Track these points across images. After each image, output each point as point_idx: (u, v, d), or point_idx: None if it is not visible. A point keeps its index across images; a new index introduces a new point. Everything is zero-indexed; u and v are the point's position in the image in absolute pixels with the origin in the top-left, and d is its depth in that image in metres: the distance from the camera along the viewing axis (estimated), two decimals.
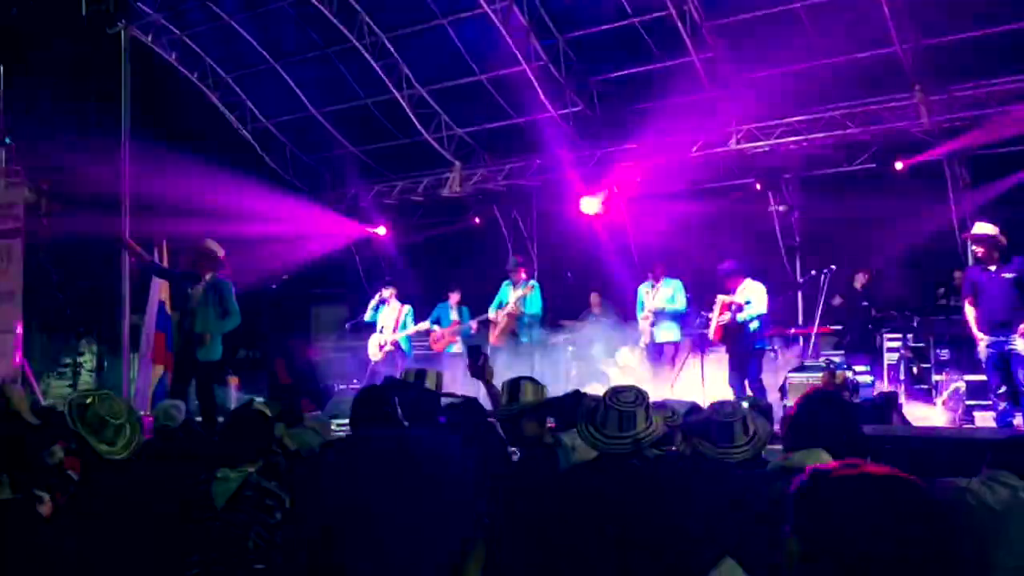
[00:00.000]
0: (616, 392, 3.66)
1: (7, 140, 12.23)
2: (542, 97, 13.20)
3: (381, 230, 16.14)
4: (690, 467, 3.73)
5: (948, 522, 1.47)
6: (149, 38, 13.70)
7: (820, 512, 1.45)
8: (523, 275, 11.50)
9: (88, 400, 4.13)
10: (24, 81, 11.54)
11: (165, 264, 11.43)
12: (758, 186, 12.89)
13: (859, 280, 11.49)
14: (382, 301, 11.87)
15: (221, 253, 8.80)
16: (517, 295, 11.28)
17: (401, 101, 14.19)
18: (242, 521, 3.76)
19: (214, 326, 8.59)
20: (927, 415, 9.46)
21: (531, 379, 4.62)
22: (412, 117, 14.36)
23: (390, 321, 11.75)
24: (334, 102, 15.02)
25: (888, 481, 1.46)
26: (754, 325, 9.78)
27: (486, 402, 5.04)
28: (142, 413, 7.05)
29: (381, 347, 11.64)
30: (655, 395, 7.84)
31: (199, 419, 8.17)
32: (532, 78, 13.00)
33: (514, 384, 4.54)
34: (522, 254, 14.57)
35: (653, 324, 10.72)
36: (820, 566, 1.42)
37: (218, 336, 8.68)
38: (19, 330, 11.53)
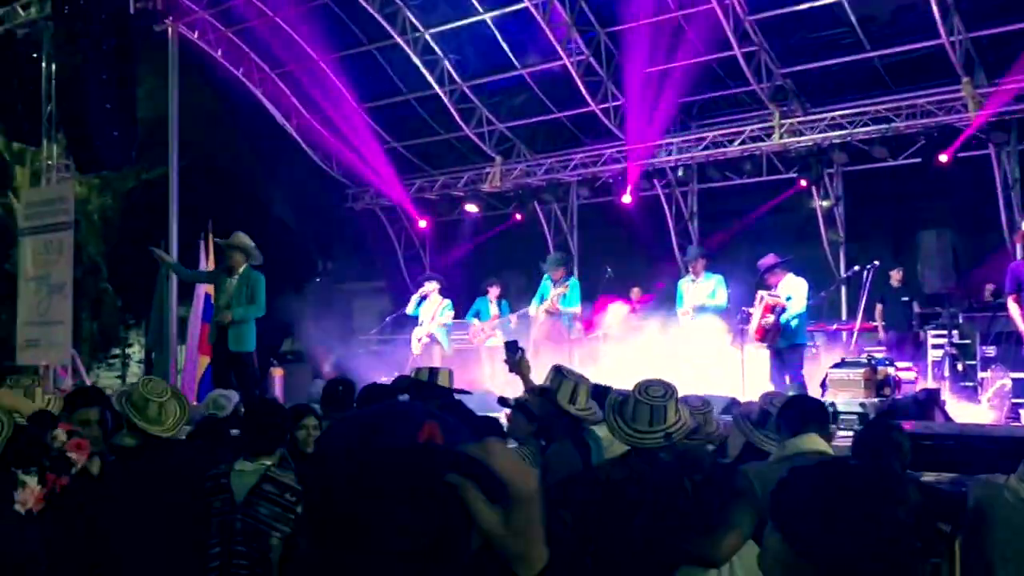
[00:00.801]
0: (645, 386, 3.67)
1: (59, 135, 12.54)
2: (583, 91, 13.20)
3: (422, 223, 16.27)
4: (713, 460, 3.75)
5: (924, 511, 1.44)
6: (196, 35, 13.92)
7: (795, 506, 1.44)
8: (562, 273, 11.51)
9: (133, 385, 4.34)
10: (74, 77, 11.79)
11: (211, 258, 11.63)
12: (803, 182, 12.76)
13: (895, 277, 11.35)
14: (424, 296, 11.96)
15: (252, 245, 8.94)
16: (556, 292, 11.29)
17: (442, 96, 14.27)
18: (263, 516, 3.80)
19: (238, 313, 8.73)
20: (972, 413, 9.32)
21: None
22: (453, 112, 14.44)
23: (428, 315, 11.85)
24: (376, 98, 15.15)
25: (861, 470, 1.46)
26: (795, 322, 9.73)
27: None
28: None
29: (420, 340, 11.74)
30: (693, 391, 7.84)
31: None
32: (573, 72, 13.00)
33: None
34: (562, 249, 14.61)
35: (692, 319, 10.66)
36: (800, 561, 1.41)
37: (249, 325, 8.82)
38: (70, 321, 11.82)
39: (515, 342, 5.08)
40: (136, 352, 19.79)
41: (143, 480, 3.96)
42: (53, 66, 12.29)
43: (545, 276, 11.60)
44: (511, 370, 5.01)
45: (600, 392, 4.18)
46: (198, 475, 3.99)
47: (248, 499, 3.84)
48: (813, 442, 3.59)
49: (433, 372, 5.00)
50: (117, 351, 20.18)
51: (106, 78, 11.46)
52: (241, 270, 8.84)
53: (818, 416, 3.81)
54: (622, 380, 4.27)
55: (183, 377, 12.37)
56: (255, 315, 8.88)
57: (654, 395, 3.59)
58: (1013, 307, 8.04)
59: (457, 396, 5.23)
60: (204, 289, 12.06)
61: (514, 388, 5.28)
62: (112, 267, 18.38)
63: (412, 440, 1.15)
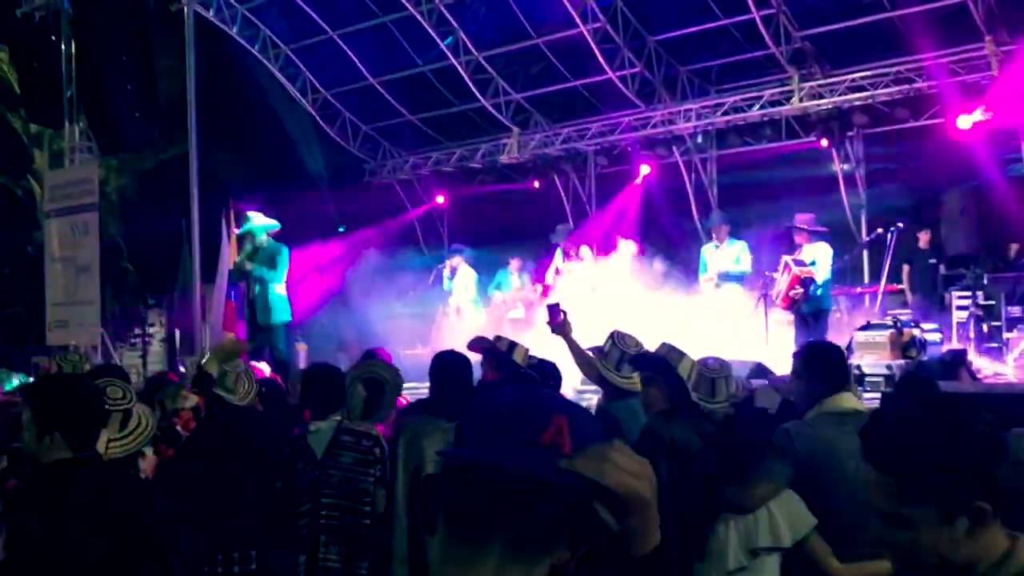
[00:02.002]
0: (704, 361, 3.87)
1: (80, 117, 12.61)
2: (600, 59, 13.13)
3: (440, 199, 16.32)
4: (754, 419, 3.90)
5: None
6: (211, 12, 13.91)
7: (889, 437, 1.57)
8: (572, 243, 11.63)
9: (207, 356, 4.60)
10: (93, 59, 11.84)
11: (234, 234, 11.74)
12: (824, 142, 12.65)
13: (923, 239, 11.31)
14: (453, 269, 12.07)
15: (267, 219, 9.21)
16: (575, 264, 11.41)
17: (458, 67, 14.23)
18: (347, 464, 3.98)
19: (257, 271, 8.97)
20: (998, 372, 9.34)
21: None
22: (469, 83, 14.40)
23: (461, 287, 11.97)
24: (392, 70, 15.12)
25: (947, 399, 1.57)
26: (820, 289, 9.77)
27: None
28: None
29: (455, 311, 11.88)
30: (722, 355, 7.84)
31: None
32: (590, 40, 12.93)
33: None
34: (582, 217, 14.64)
35: (718, 286, 10.69)
36: (893, 483, 1.53)
37: (274, 298, 9.02)
38: (99, 301, 11.95)
39: (557, 305, 5.12)
40: (158, 332, 19.93)
41: (221, 444, 4.13)
42: (72, 48, 12.33)
43: (559, 250, 11.70)
44: (554, 332, 5.07)
45: (645, 359, 4.24)
46: (272, 438, 4.19)
47: (329, 452, 4.06)
48: (848, 400, 3.67)
49: (512, 346, 4.96)
50: (138, 331, 20.34)
51: (125, 59, 11.52)
52: (266, 245, 9.08)
53: (845, 373, 3.90)
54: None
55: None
56: (273, 279, 9.09)
57: (713, 369, 3.83)
58: None
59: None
60: (228, 267, 12.16)
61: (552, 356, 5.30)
62: (132, 247, 18.52)
63: (535, 446, 1.17)
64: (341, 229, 16.44)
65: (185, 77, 12.14)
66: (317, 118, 15.90)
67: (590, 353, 4.82)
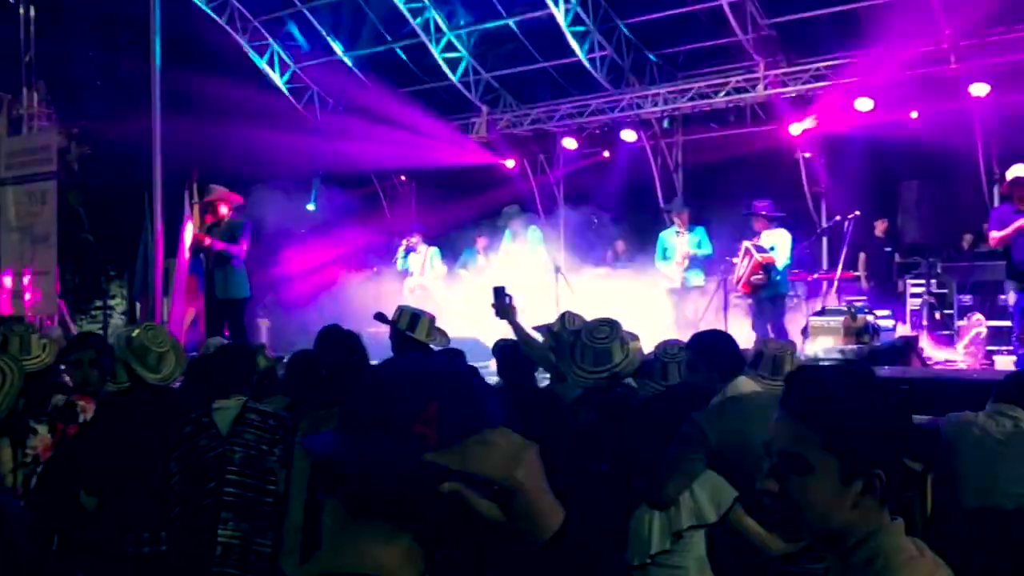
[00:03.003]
0: (591, 329, 3.82)
1: (39, 82, 12.41)
2: (570, 41, 13.16)
3: (402, 177, 16.30)
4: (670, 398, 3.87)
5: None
6: None
7: (808, 386, 1.64)
8: (520, 224, 11.70)
9: (135, 332, 4.37)
10: (53, 27, 11.66)
11: (196, 207, 11.64)
12: (809, 120, 12.64)
13: (879, 228, 11.51)
14: (409, 248, 12.04)
15: (230, 195, 9.15)
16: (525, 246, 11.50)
17: (428, 45, 14.19)
18: (252, 442, 3.93)
19: (229, 263, 8.90)
20: (949, 359, 9.56)
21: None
22: (439, 61, 14.36)
23: (417, 265, 11.95)
24: (361, 47, 15.04)
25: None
26: (777, 274, 9.93)
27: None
28: None
29: (412, 291, 11.85)
30: (682, 338, 7.96)
31: None
32: (560, 22, 12.94)
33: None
34: (548, 199, 14.70)
35: (686, 269, 10.77)
36: (804, 429, 1.58)
37: (238, 272, 8.97)
38: (56, 271, 11.81)
39: (503, 288, 5.11)
40: (119, 304, 19.70)
41: (131, 423, 4.06)
42: (32, 12, 12.11)
43: (507, 231, 11.76)
44: (497, 315, 5.09)
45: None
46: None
47: (233, 430, 3.95)
48: (746, 384, 3.72)
49: (415, 318, 4.79)
50: (99, 303, 20.11)
51: (88, 27, 11.35)
52: (226, 219, 9.03)
53: (739, 359, 3.88)
54: None
55: (169, 329, 12.38)
56: (233, 252, 9.04)
57: (599, 337, 3.77)
58: (997, 233, 8.00)
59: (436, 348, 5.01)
60: (188, 240, 12.06)
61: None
62: (93, 218, 18.25)
63: (405, 436, 1.16)
64: (312, 207, 16.32)
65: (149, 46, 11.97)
66: (285, 92, 15.78)
67: (536, 335, 4.87)
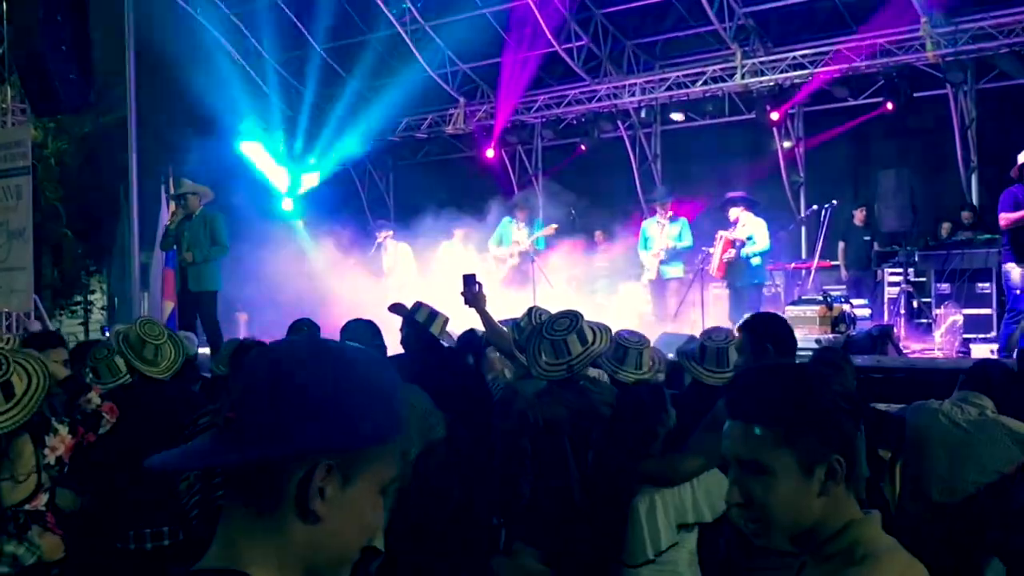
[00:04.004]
0: (552, 321, 3.79)
1: (12, 77, 12.26)
2: (546, 31, 13.11)
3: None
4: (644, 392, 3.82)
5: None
6: None
7: (749, 389, 1.66)
8: (526, 214, 11.65)
9: (131, 326, 4.42)
10: (27, 18, 11.50)
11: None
12: (775, 115, 12.65)
13: (858, 217, 11.52)
14: (379, 245, 12.00)
15: (201, 186, 9.10)
16: (527, 233, 11.45)
17: (404, 36, 14.11)
18: None
19: (198, 254, 8.84)
20: (926, 348, 9.60)
21: None
22: (415, 52, 14.29)
23: (390, 262, 11.89)
24: (337, 38, 14.93)
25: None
26: (756, 261, 9.95)
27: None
28: None
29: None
30: (657, 330, 7.94)
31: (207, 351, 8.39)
32: (536, 12, 12.89)
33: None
34: (527, 188, 14.67)
35: (663, 261, 10.75)
36: (754, 431, 1.58)
37: (212, 265, 8.91)
38: (31, 267, 11.70)
39: (473, 276, 5.08)
40: (99, 299, 19.58)
41: (131, 419, 4.04)
42: (4, 6, 11.96)
43: (506, 218, 11.71)
44: (467, 303, 5.04)
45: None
46: (185, 414, 4.07)
47: None
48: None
49: (432, 316, 4.81)
50: (79, 298, 19.98)
51: (60, 19, 11.20)
52: (198, 212, 8.97)
53: (792, 343, 3.69)
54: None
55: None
56: (220, 255, 8.99)
57: (557, 329, 3.73)
58: (1012, 215, 7.87)
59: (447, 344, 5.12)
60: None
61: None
62: (71, 213, 18.11)
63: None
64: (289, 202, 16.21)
65: (124, 39, 11.86)
66: (261, 84, 15.66)
67: (502, 327, 4.85)
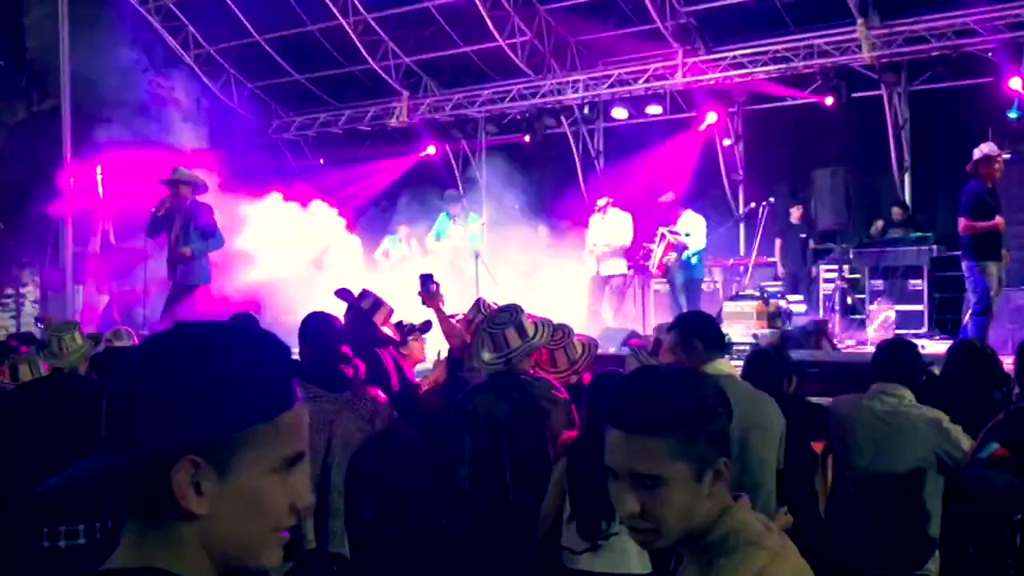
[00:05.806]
0: (493, 315, 3.83)
1: None
2: (490, 26, 13.10)
3: (321, 161, 16.07)
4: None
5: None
6: None
7: (634, 399, 1.61)
8: (460, 208, 11.64)
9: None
10: None
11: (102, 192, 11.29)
12: (715, 114, 12.77)
13: (794, 215, 11.74)
14: None
15: (196, 176, 8.91)
16: (463, 229, 11.40)
17: (347, 27, 13.97)
18: None
19: (196, 247, 8.67)
20: (859, 343, 9.82)
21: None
22: (358, 44, 14.16)
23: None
24: (278, 28, 14.71)
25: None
26: (695, 259, 10.09)
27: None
28: None
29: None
30: (599, 326, 7.97)
31: None
32: (480, 6, 12.87)
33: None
34: (472, 184, 14.65)
35: (601, 257, 10.77)
36: (645, 443, 1.54)
37: (201, 257, 8.75)
38: None
39: (431, 275, 5.08)
40: (31, 292, 19.07)
41: (48, 414, 3.96)
42: None
43: (443, 214, 11.70)
44: (424, 303, 5.04)
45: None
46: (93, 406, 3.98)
47: None
48: (725, 366, 3.70)
49: (376, 304, 4.83)
50: (11, 291, 19.44)
51: None
52: (187, 202, 8.78)
53: (721, 340, 3.79)
54: None
55: (82, 316, 12.05)
56: (217, 247, 8.86)
57: (497, 323, 3.76)
58: (981, 224, 7.67)
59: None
60: (103, 226, 11.74)
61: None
62: (4, 203, 17.60)
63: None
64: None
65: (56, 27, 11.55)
66: (200, 75, 15.39)
67: (456, 324, 4.85)
